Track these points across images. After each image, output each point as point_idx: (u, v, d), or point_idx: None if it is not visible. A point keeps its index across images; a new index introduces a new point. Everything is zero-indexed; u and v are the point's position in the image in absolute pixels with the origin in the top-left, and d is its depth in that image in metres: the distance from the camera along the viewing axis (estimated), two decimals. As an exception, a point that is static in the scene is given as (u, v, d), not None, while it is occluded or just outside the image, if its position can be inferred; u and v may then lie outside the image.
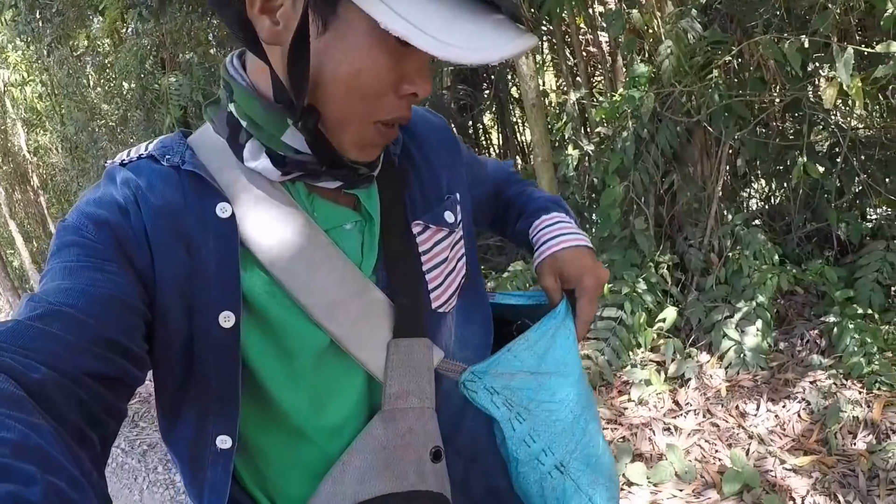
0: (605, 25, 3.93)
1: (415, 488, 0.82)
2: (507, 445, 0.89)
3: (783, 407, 2.71)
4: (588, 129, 4.20)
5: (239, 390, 0.76)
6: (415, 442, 0.83)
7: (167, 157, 0.78)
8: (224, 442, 0.78)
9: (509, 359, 0.87)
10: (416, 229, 0.86)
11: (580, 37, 4.39)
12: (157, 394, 0.82)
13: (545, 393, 0.89)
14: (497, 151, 6.22)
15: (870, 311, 2.78)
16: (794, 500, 2.39)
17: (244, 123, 0.77)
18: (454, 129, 5.78)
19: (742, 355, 2.96)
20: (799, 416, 2.65)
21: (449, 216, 0.90)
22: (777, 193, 3.82)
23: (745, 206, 3.81)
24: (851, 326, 2.70)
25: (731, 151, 3.51)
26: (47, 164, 11.34)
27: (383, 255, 0.83)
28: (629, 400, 3.09)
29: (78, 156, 8.73)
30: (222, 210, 0.75)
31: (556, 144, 4.33)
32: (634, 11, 3.42)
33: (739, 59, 3.41)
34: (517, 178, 1.19)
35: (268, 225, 0.77)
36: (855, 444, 2.45)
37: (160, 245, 0.73)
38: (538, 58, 5.17)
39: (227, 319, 0.74)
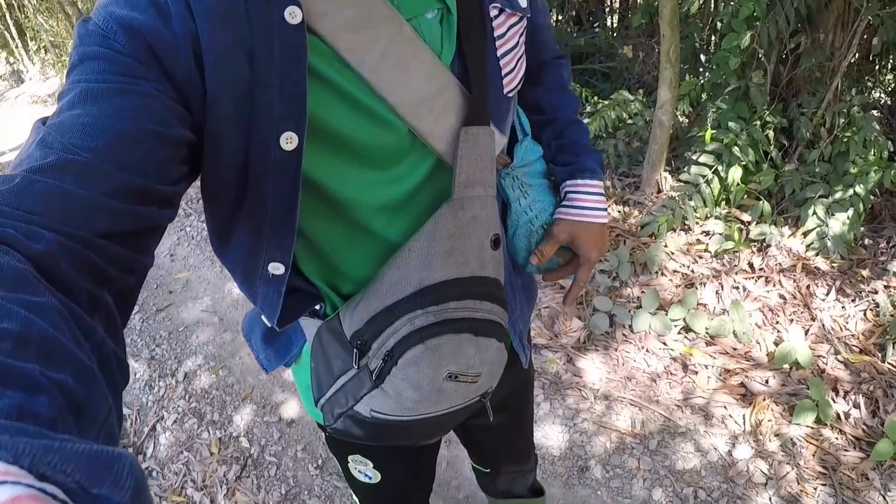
0: None
1: (475, 274, 0.87)
2: (511, 216, 1.05)
3: (851, 301, 2.92)
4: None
5: (296, 218, 0.75)
6: (478, 229, 0.88)
7: None
8: (277, 269, 0.80)
9: (527, 154, 1.04)
10: (492, 12, 0.86)
11: None
12: (208, 213, 0.81)
13: (540, 173, 1.07)
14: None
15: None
16: (837, 391, 2.68)
17: None
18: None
19: (825, 239, 3.10)
20: (864, 314, 2.87)
21: (523, 0, 0.91)
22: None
23: (867, 91, 3.71)
24: (943, 250, 2.84)
25: (867, 28, 3.35)
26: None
27: (462, 43, 0.83)
28: (706, 250, 3.25)
29: None
30: (291, 15, 0.67)
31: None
32: None
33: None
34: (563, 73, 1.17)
35: (349, 21, 0.71)
36: (910, 359, 2.70)
37: (216, 56, 0.66)
38: None
39: (289, 141, 0.69)
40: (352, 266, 0.90)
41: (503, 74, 0.88)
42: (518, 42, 0.90)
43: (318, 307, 0.96)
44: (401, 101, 0.77)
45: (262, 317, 0.93)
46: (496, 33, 0.86)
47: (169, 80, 0.64)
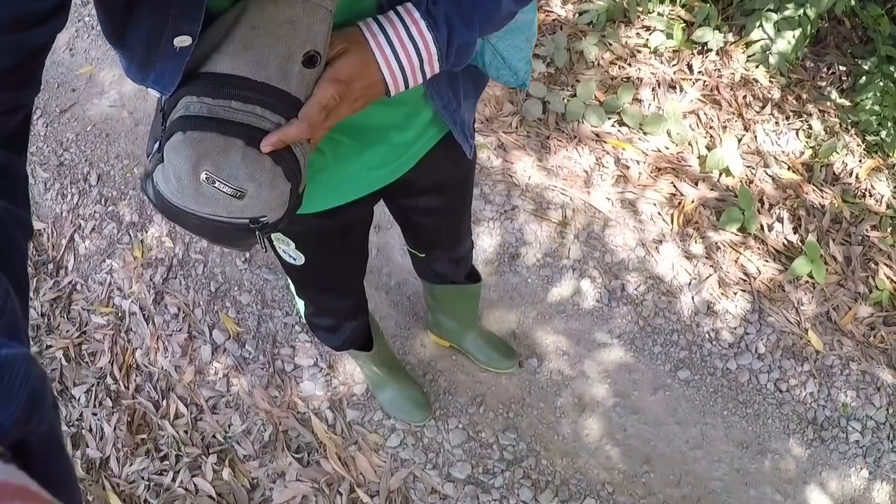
0: None
1: (272, 83, 0.76)
2: None
3: (786, 119, 2.86)
4: None
5: None
6: (291, 36, 0.76)
7: None
8: (183, 41, 0.72)
9: None
10: None
11: None
12: (100, 5, 0.72)
13: None
14: None
15: (901, 79, 2.89)
16: (762, 203, 2.65)
17: None
18: None
19: (768, 53, 2.97)
20: (797, 135, 2.82)
21: None
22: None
23: None
24: (880, 84, 2.81)
25: None
26: None
27: None
28: (645, 45, 3.02)
29: None
30: None
31: None
32: None
33: None
34: None
35: None
36: (834, 186, 2.71)
37: None
38: None
39: None
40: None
41: None
42: None
43: None
44: None
45: (152, 91, 0.82)
46: None
47: None
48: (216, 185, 0.76)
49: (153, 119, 0.88)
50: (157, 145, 0.80)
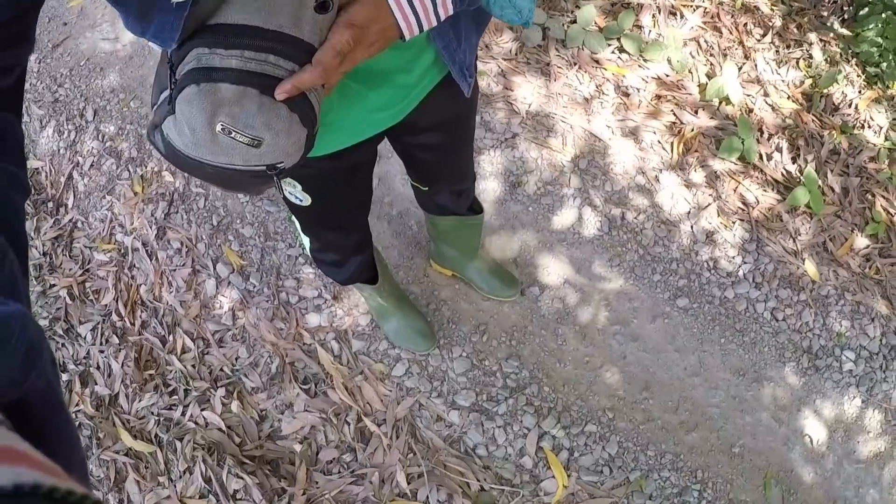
0: None
1: (284, 31, 0.74)
2: None
3: (786, 47, 2.82)
4: None
5: None
6: None
7: None
8: None
9: None
10: None
11: None
12: None
13: None
14: None
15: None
16: (762, 132, 2.64)
17: None
18: None
19: (769, -22, 2.92)
20: (797, 64, 2.79)
21: None
22: None
23: None
24: (882, 16, 2.78)
25: None
26: None
27: None
28: (647, -35, 2.93)
29: None
30: None
31: None
32: None
33: None
34: None
35: None
36: (833, 116, 2.70)
37: None
38: None
39: None
40: None
41: None
42: None
43: None
44: None
45: (153, 44, 0.79)
46: None
47: None
48: (232, 135, 0.76)
49: (157, 69, 0.87)
50: (164, 97, 0.79)
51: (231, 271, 2.34)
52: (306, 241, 1.65)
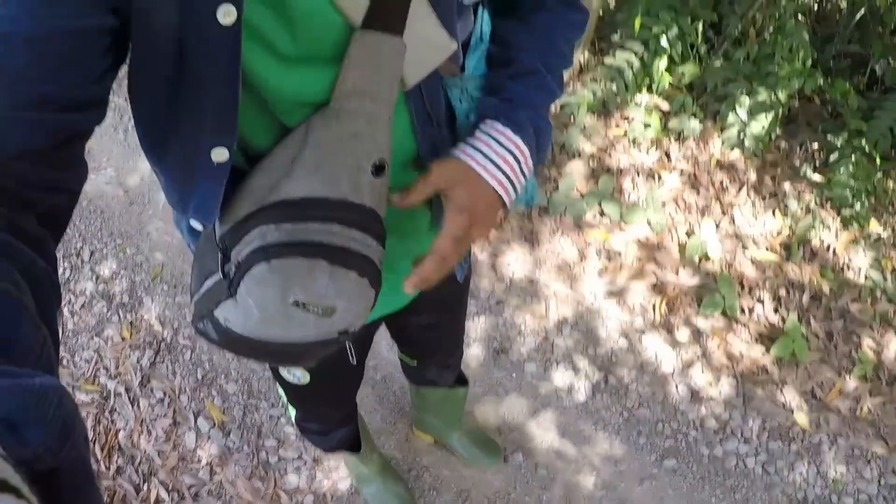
0: None
1: (347, 199, 0.77)
2: (457, 130, 0.95)
3: (762, 199, 2.95)
4: None
5: (239, 97, 0.70)
6: (357, 149, 0.78)
7: None
8: (220, 155, 0.73)
9: (481, 65, 0.93)
10: None
11: None
12: (138, 112, 0.74)
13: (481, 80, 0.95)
14: None
15: (872, 152, 2.96)
16: (743, 286, 2.72)
17: None
18: None
19: (742, 136, 3.08)
20: (773, 214, 2.91)
21: None
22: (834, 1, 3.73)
23: (799, -2, 3.68)
24: (853, 158, 2.89)
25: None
26: None
27: None
28: (624, 135, 3.15)
29: None
30: None
31: None
32: None
33: None
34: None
35: None
36: (812, 262, 2.78)
37: None
38: None
39: (226, 14, 0.63)
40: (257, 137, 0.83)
41: None
42: None
43: None
44: None
45: (193, 222, 0.86)
46: None
47: None
48: (307, 308, 0.76)
49: (196, 256, 0.88)
50: (215, 281, 0.80)
51: (212, 426, 2.41)
52: (292, 410, 1.69)
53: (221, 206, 0.79)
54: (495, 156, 0.87)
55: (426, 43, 0.77)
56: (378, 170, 0.79)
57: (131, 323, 2.68)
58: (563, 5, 0.96)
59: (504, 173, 0.88)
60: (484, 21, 0.91)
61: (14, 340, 0.40)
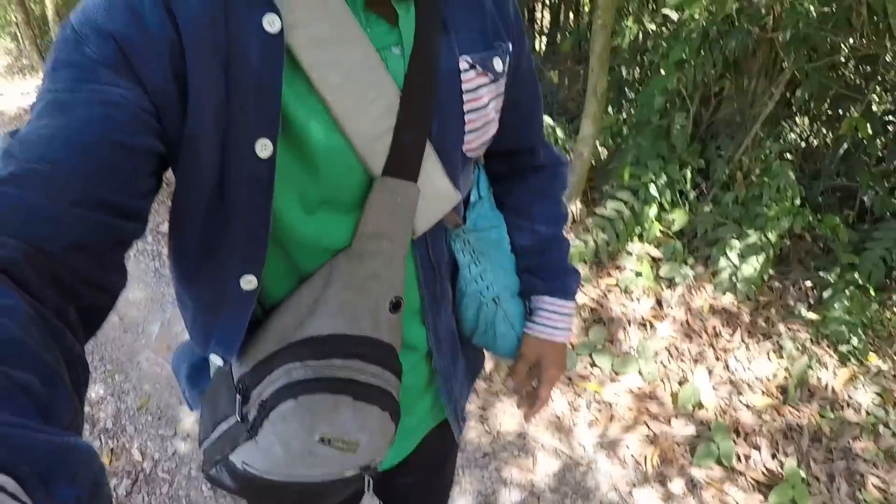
0: None
1: (367, 335, 0.81)
2: (459, 282, 1.01)
3: (756, 342, 2.90)
4: (655, 6, 3.96)
5: (269, 228, 0.73)
6: (376, 288, 0.82)
7: None
8: (249, 283, 0.76)
9: (481, 219, 1.01)
10: (462, 65, 0.83)
11: None
12: (175, 236, 0.78)
13: (495, 242, 1.05)
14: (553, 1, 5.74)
15: (866, 285, 2.92)
16: (738, 433, 2.64)
17: None
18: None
19: (734, 279, 3.09)
20: (768, 356, 2.85)
21: (498, 64, 0.87)
22: (818, 136, 3.81)
23: (783, 136, 3.79)
24: (846, 293, 2.85)
25: (791, 79, 3.43)
26: None
27: (406, 84, 0.78)
28: (616, 285, 3.21)
29: None
30: (270, 23, 0.66)
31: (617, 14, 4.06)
32: None
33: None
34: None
35: (323, 37, 0.71)
36: (811, 403, 2.68)
37: (197, 62, 0.64)
38: None
39: (264, 148, 0.68)
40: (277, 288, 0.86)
41: (466, 131, 0.85)
42: (489, 104, 0.86)
43: None
44: (357, 129, 0.73)
45: (214, 356, 0.86)
46: (464, 87, 0.82)
47: (140, 88, 0.63)
48: (331, 444, 0.78)
49: (207, 400, 0.90)
50: (232, 425, 0.81)
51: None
52: None
53: (240, 348, 0.82)
54: (558, 321, 1.10)
55: (434, 192, 0.83)
56: (395, 307, 0.84)
57: (112, 449, 2.69)
58: (554, 164, 1.11)
59: (566, 327, 1.11)
60: (481, 180, 1.02)
61: (51, 405, 0.42)
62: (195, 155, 0.67)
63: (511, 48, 0.89)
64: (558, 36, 5.20)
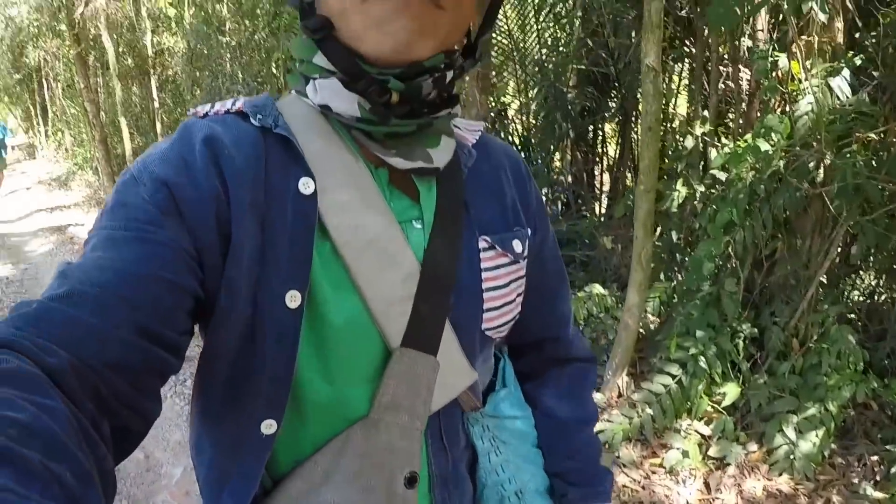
0: (748, 61, 3.65)
1: None
2: (479, 472, 0.94)
3: None
4: (705, 166, 3.93)
5: (293, 373, 0.74)
6: (392, 461, 0.80)
7: (259, 116, 0.74)
8: (269, 427, 0.75)
9: (502, 407, 0.95)
10: (481, 244, 0.84)
11: (720, 67, 4.08)
12: (203, 378, 0.79)
13: (520, 433, 0.98)
14: (612, 163, 5.94)
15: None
16: None
17: (299, 66, 0.76)
18: (572, 131, 5.48)
19: (792, 458, 2.75)
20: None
21: (517, 245, 0.88)
22: (883, 292, 3.48)
23: (844, 296, 3.49)
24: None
25: (847, 234, 3.21)
26: (167, 68, 11.74)
27: (425, 257, 0.79)
28: (660, 465, 2.94)
29: (197, 66, 8.95)
30: (305, 185, 0.72)
31: (665, 176, 4.06)
32: (783, 56, 3.11)
33: (882, 137, 3.06)
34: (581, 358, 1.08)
35: (348, 204, 0.75)
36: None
37: (240, 214, 0.70)
38: (672, 79, 4.86)
39: (293, 299, 0.71)
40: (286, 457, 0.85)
41: (484, 308, 0.85)
42: (508, 284, 0.87)
43: None
44: (374, 295, 0.76)
45: None
46: (483, 265, 0.84)
47: (188, 233, 0.68)
48: None
49: None
50: None
51: None
52: None
53: None
54: None
55: (449, 368, 0.82)
56: (410, 482, 0.82)
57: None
58: (582, 359, 1.07)
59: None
60: (507, 372, 0.99)
61: (82, 500, 0.44)
62: (233, 294, 0.70)
63: (531, 234, 0.91)
64: (615, 201, 5.22)
